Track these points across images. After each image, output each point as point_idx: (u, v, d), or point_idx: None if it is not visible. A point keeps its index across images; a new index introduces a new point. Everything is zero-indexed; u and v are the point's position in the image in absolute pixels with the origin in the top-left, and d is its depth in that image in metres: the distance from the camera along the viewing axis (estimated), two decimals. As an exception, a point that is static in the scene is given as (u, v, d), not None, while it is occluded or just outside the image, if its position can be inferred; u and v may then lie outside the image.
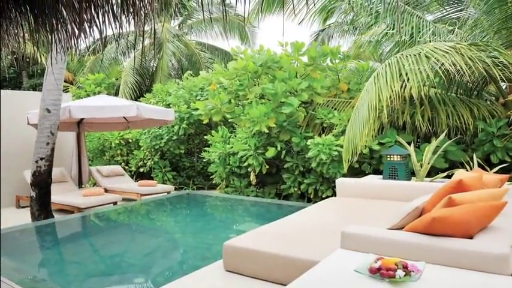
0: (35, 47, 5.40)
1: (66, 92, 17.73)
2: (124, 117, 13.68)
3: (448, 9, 11.78)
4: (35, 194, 9.39)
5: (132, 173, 16.35)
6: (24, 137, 12.34)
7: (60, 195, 11.00)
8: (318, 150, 10.02)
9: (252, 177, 11.83)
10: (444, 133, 8.49)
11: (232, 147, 12.13)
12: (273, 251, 4.36)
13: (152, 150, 15.54)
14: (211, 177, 13.91)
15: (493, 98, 10.48)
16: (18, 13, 5.01)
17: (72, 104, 10.98)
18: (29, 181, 9.97)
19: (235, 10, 22.43)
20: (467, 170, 7.60)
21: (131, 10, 4.22)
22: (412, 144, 8.50)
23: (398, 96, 9.08)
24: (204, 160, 14.39)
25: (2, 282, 5.37)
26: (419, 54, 8.01)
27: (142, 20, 4.25)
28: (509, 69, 8.31)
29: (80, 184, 13.10)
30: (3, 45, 5.60)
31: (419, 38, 10.27)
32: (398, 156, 7.88)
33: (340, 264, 3.42)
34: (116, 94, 20.69)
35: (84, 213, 10.16)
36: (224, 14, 22.08)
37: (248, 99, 12.08)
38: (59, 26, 4.74)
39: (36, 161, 9.41)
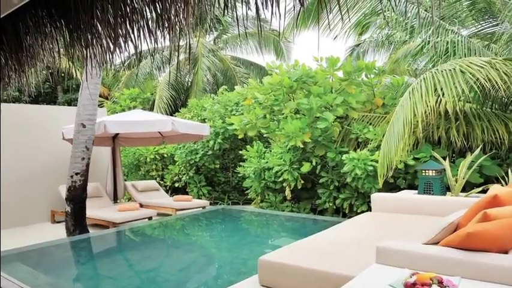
0: (70, 62, 5.45)
1: (101, 107, 18.00)
2: (159, 132, 13.80)
3: (483, 24, 11.64)
4: (70, 208, 9.46)
5: (167, 188, 16.45)
6: (59, 152, 12.50)
7: (95, 210, 11.13)
8: (353, 165, 10.00)
9: (287, 192, 11.82)
10: (479, 148, 8.44)
11: (267, 162, 12.15)
12: (309, 265, 4.36)
13: (187, 165, 15.61)
14: (246, 192, 13.95)
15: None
16: (53, 28, 5.08)
17: (107, 119, 11.10)
18: (64, 196, 10.05)
19: (271, 25, 22.39)
20: (502, 185, 7.52)
21: (166, 25, 4.25)
22: (447, 159, 8.43)
23: (434, 111, 9.04)
24: (239, 175, 14.43)
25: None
26: (454, 69, 7.95)
27: (178, 35, 4.27)
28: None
29: (115, 199, 13.23)
30: (38, 60, 5.69)
31: (454, 52, 10.19)
32: (434, 171, 7.83)
33: (375, 279, 3.42)
34: (151, 109, 20.89)
35: (119, 228, 10.24)
36: (259, 29, 22.14)
37: (283, 114, 12.11)
38: (94, 41, 4.80)
39: (71, 176, 9.49)
